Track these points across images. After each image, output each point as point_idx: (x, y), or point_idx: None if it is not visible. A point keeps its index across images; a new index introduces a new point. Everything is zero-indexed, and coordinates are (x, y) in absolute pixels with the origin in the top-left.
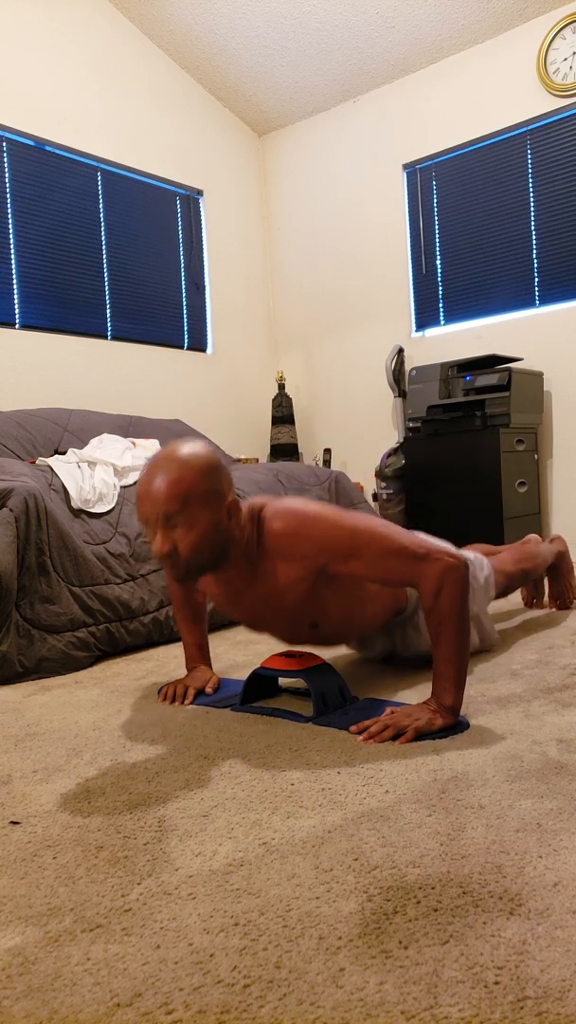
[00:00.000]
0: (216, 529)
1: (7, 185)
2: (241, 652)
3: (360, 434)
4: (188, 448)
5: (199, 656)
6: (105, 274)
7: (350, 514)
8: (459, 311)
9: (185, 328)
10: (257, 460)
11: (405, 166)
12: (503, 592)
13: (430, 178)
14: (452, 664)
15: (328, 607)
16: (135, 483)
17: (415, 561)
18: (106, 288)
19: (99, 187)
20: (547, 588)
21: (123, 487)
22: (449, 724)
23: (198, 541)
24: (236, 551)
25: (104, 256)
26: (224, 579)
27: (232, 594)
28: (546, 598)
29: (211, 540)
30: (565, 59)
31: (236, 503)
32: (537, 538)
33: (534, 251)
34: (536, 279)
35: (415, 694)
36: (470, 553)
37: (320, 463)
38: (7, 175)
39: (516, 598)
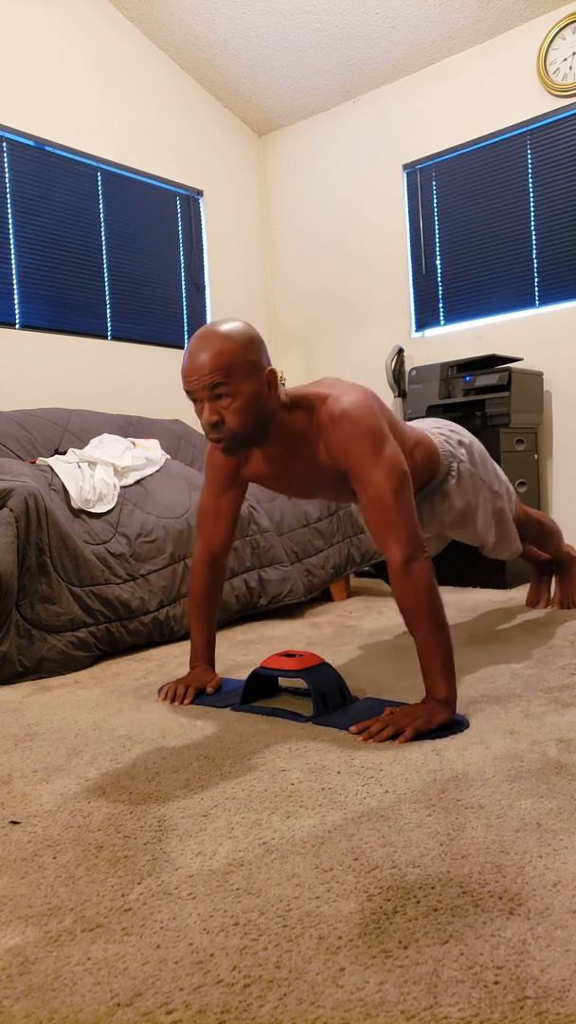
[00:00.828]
0: (258, 398)
1: (7, 185)
2: (241, 652)
3: None
4: (227, 324)
5: (204, 655)
6: (105, 274)
7: (389, 449)
8: (459, 311)
9: (185, 328)
10: None
11: (405, 166)
12: (519, 528)
13: (430, 178)
14: (434, 654)
15: None
16: (135, 483)
17: (388, 527)
18: (106, 288)
19: (99, 187)
20: (553, 588)
21: (123, 487)
22: (448, 719)
23: (243, 409)
24: (278, 425)
25: (104, 256)
26: (271, 456)
27: (281, 470)
28: (549, 598)
29: (254, 409)
30: (565, 59)
31: (274, 373)
32: None
33: (534, 251)
34: (536, 279)
35: (415, 694)
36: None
37: None
38: (7, 175)
39: (518, 598)
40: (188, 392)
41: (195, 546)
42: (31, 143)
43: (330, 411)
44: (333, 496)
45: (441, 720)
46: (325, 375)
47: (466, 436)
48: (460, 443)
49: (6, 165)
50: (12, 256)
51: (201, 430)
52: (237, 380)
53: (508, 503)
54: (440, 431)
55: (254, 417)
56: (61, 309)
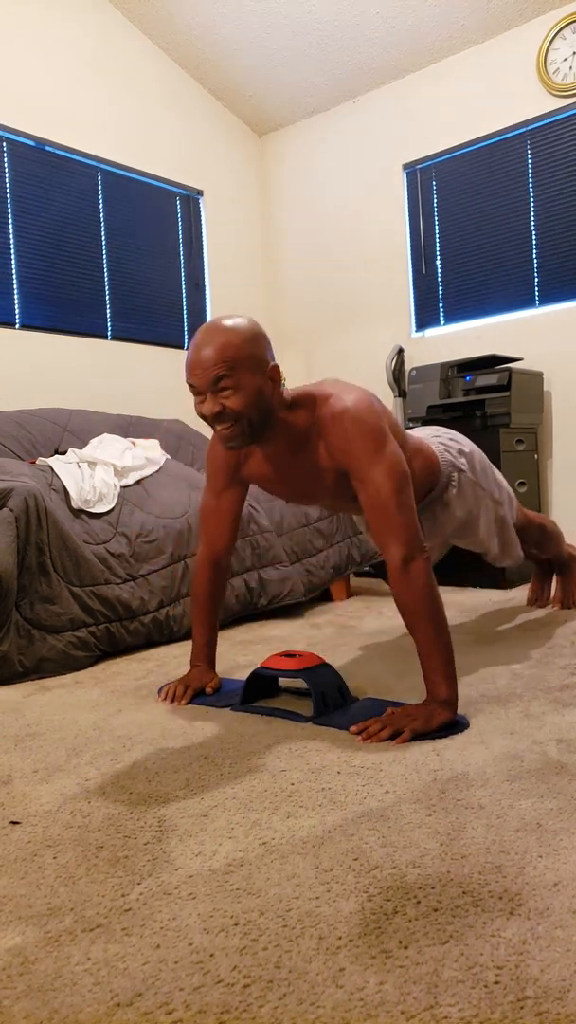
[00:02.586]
0: (261, 393)
1: (7, 185)
2: (241, 652)
3: None
4: (232, 319)
5: (205, 655)
6: (105, 274)
7: (391, 449)
8: (459, 311)
9: (185, 328)
10: None
11: (405, 166)
12: (520, 532)
13: (430, 178)
14: (435, 654)
15: None
16: (135, 483)
17: (387, 527)
18: (106, 288)
19: (99, 187)
20: (554, 588)
21: (123, 487)
22: (448, 720)
23: (245, 402)
24: (279, 422)
25: (104, 256)
26: (272, 456)
27: (280, 470)
28: (550, 598)
29: (257, 402)
30: (565, 59)
31: (277, 369)
32: None
33: (534, 251)
34: (536, 279)
35: (415, 694)
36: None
37: None
38: (7, 175)
39: (518, 598)
40: (191, 385)
41: (199, 546)
42: (31, 143)
43: (331, 410)
44: (333, 502)
45: (441, 721)
46: (325, 375)
47: (467, 444)
48: (460, 452)
49: (6, 165)
50: (12, 256)
51: (201, 426)
52: (241, 373)
53: (510, 510)
54: (440, 440)
55: (257, 411)
56: (61, 309)
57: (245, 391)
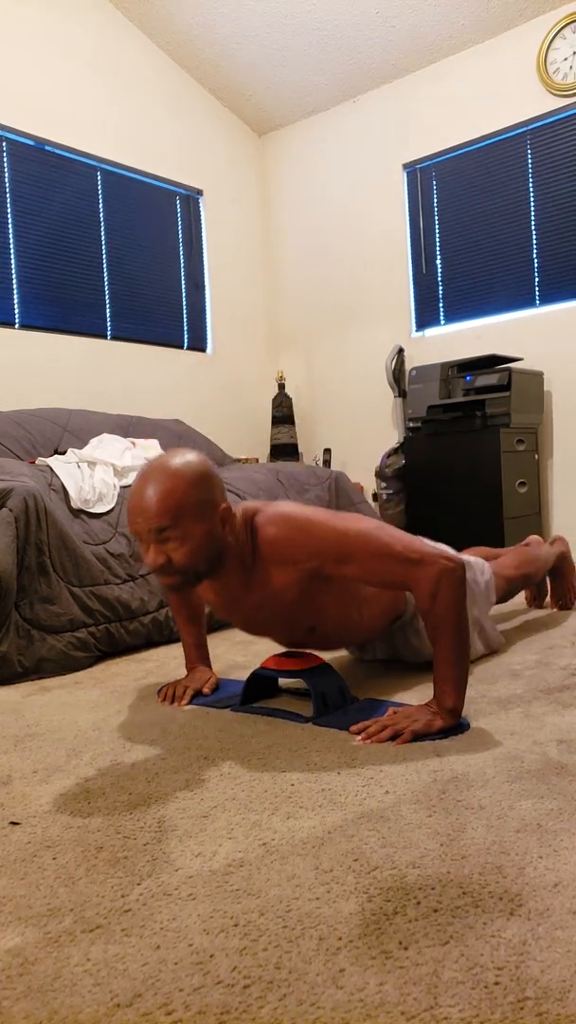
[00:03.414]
0: (210, 538)
1: (7, 185)
2: (241, 652)
3: (360, 434)
4: (178, 458)
5: (198, 657)
6: (105, 274)
7: (343, 516)
8: (459, 311)
9: (185, 328)
10: (257, 460)
11: (405, 166)
12: (505, 597)
13: (430, 178)
14: (452, 666)
15: (325, 610)
16: None
17: (408, 565)
18: (106, 288)
19: (99, 187)
20: (549, 589)
21: (123, 487)
22: (448, 726)
23: (192, 552)
24: (231, 558)
25: (104, 256)
26: (220, 586)
27: (229, 601)
28: (548, 599)
29: (205, 550)
30: (565, 59)
31: (229, 510)
32: (539, 539)
33: (534, 251)
34: (536, 279)
35: (415, 695)
36: (471, 557)
37: (320, 463)
38: (7, 175)
39: (518, 598)
40: (132, 532)
41: None
42: (31, 143)
43: (270, 524)
44: (288, 634)
45: (441, 726)
46: (325, 375)
47: None
48: None
49: (6, 165)
50: (12, 256)
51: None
52: (187, 522)
53: (487, 599)
54: None
55: (205, 558)
56: (61, 309)
57: (192, 540)
